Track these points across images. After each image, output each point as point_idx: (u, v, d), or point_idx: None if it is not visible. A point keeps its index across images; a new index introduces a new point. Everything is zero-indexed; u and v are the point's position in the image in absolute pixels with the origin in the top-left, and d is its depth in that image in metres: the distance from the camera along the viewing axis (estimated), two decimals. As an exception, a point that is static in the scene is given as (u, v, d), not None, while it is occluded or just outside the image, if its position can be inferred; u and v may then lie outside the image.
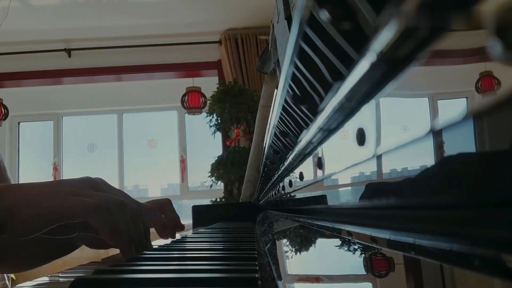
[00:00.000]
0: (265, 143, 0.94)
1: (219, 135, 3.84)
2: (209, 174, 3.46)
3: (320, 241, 0.39)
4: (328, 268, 0.30)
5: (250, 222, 1.35)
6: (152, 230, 0.59)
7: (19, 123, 4.61)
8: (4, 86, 4.19)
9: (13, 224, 0.43)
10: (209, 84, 3.83)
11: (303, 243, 0.44)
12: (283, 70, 0.42)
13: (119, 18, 3.84)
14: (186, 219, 1.75)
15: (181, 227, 0.71)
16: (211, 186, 3.48)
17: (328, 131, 0.35)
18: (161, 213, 0.69)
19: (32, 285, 0.36)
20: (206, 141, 4.12)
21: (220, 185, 3.55)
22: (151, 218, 0.68)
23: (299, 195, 0.57)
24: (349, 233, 0.31)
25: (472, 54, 0.13)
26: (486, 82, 0.13)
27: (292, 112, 0.48)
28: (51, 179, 4.51)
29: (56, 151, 4.59)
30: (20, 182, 4.48)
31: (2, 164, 0.81)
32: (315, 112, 0.36)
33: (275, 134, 0.66)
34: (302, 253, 0.41)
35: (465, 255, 0.15)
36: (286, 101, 0.46)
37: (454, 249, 0.15)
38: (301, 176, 0.52)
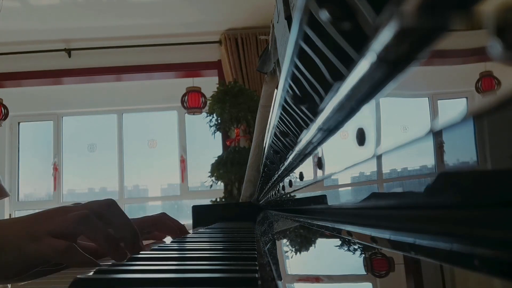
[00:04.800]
0: (265, 143, 0.94)
1: (219, 135, 3.84)
2: (209, 174, 3.46)
3: (320, 241, 0.39)
4: (328, 268, 0.30)
5: (250, 222, 1.34)
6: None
7: (19, 123, 4.61)
8: (4, 86, 4.19)
9: None
10: (209, 84, 3.83)
11: (303, 243, 0.44)
12: (283, 70, 0.42)
13: (119, 18, 3.84)
14: (186, 219, 1.75)
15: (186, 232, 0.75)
16: (211, 186, 3.48)
17: (328, 131, 0.35)
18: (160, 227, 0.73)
19: (32, 285, 0.36)
20: (206, 141, 4.12)
21: (220, 185, 3.55)
22: (161, 226, 0.71)
23: (299, 195, 0.57)
24: (349, 233, 0.31)
25: (472, 54, 0.13)
26: (486, 82, 0.13)
27: (292, 112, 0.48)
28: (51, 179, 4.52)
29: (56, 151, 4.59)
30: (20, 182, 4.50)
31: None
32: (315, 112, 0.36)
33: (275, 134, 0.66)
34: (302, 253, 0.41)
35: (465, 255, 0.15)
36: (286, 101, 0.46)
37: (454, 249, 0.15)
38: (301, 176, 0.52)
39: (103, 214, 0.50)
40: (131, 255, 0.49)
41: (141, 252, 0.50)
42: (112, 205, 0.51)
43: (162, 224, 0.73)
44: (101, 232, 0.47)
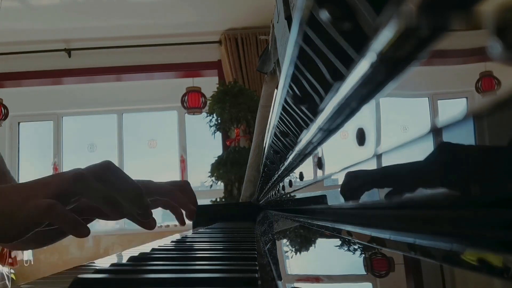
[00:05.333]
0: (265, 143, 0.94)
1: (219, 135, 3.84)
2: (209, 174, 3.46)
3: (320, 241, 0.39)
4: (328, 268, 0.30)
5: (250, 222, 1.34)
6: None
7: (19, 123, 4.61)
8: (4, 86, 4.19)
9: None
10: (209, 84, 3.83)
11: (303, 243, 0.44)
12: (283, 70, 0.42)
13: (119, 18, 3.84)
14: (186, 219, 1.75)
15: (194, 210, 0.70)
16: (211, 186, 3.48)
17: (328, 131, 0.35)
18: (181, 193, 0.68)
19: (32, 285, 0.36)
20: (206, 141, 4.12)
21: (220, 185, 3.55)
22: (171, 198, 0.67)
23: (299, 195, 0.57)
24: (349, 233, 0.31)
25: (472, 54, 0.13)
26: (486, 82, 0.13)
27: (292, 112, 0.48)
28: (51, 179, 4.51)
29: (56, 151, 4.59)
30: (20, 181, 4.48)
31: (2, 165, 0.81)
32: (315, 112, 0.36)
33: (275, 134, 0.66)
34: (302, 253, 0.41)
35: (465, 255, 0.15)
36: (286, 101, 0.46)
37: (454, 249, 0.15)
38: (301, 176, 0.52)
39: (101, 175, 0.47)
40: (137, 213, 0.48)
41: (141, 253, 0.50)
42: (110, 166, 0.49)
43: (188, 191, 0.69)
44: (98, 191, 0.45)
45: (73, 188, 0.45)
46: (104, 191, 0.45)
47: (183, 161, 4.51)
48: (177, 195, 0.62)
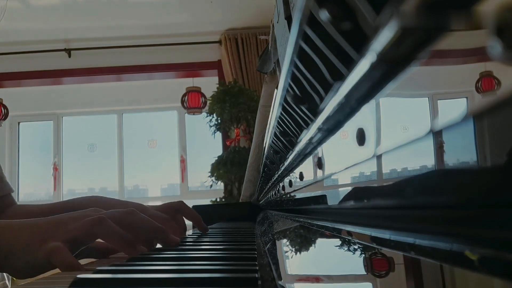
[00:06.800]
0: (265, 143, 0.94)
1: (219, 135, 3.84)
2: (209, 174, 3.46)
3: (320, 241, 0.39)
4: (328, 268, 0.30)
5: (250, 222, 1.34)
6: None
7: (19, 123, 4.61)
8: (4, 86, 4.19)
9: (9, 268, 0.46)
10: (209, 84, 3.83)
11: (303, 243, 0.44)
12: (283, 70, 0.42)
13: (119, 18, 3.84)
14: (186, 219, 1.75)
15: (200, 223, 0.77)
16: (211, 186, 3.48)
17: (328, 131, 0.35)
18: (180, 214, 0.75)
19: (32, 285, 0.36)
20: (206, 141, 4.12)
21: (220, 185, 3.55)
22: (184, 212, 0.77)
23: (299, 195, 0.57)
24: (349, 233, 0.31)
25: (472, 54, 0.13)
26: (486, 82, 0.13)
27: (292, 112, 0.48)
28: (51, 179, 4.51)
29: (56, 151, 4.59)
30: (20, 182, 4.49)
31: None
32: (315, 112, 0.36)
33: (275, 134, 0.66)
34: (302, 253, 0.41)
35: (465, 255, 0.15)
36: (286, 101, 0.46)
37: (454, 249, 0.15)
38: (301, 176, 0.52)
39: (122, 220, 0.50)
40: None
41: (141, 253, 0.50)
42: (131, 214, 0.52)
43: (185, 210, 0.75)
44: (115, 233, 0.47)
45: (91, 232, 0.47)
46: (120, 233, 0.48)
47: (183, 161, 4.51)
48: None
